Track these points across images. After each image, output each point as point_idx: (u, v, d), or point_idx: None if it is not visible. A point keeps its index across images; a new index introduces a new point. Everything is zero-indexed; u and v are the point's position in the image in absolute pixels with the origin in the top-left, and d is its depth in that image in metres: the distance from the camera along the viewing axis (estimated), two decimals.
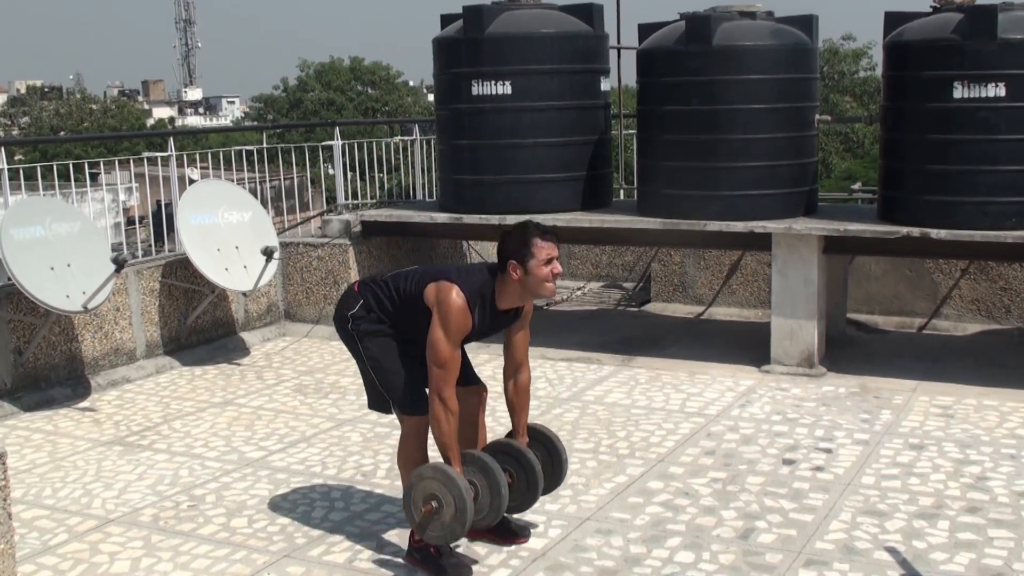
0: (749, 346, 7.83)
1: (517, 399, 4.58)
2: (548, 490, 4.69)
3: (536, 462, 4.53)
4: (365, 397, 6.83)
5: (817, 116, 7.58)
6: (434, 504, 4.19)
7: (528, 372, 4.62)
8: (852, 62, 43.43)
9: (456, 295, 4.19)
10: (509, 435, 4.64)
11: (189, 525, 4.96)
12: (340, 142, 9.86)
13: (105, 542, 4.80)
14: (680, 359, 7.70)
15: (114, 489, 5.46)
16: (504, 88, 7.89)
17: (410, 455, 4.43)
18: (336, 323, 4.53)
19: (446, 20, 8.43)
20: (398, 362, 4.37)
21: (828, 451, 5.73)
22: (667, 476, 5.41)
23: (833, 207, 8.57)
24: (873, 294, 8.75)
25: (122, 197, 12.54)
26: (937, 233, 6.75)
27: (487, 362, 7.11)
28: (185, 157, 9.22)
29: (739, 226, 7.28)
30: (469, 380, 4.58)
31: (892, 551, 4.47)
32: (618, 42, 9.85)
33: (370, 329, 4.39)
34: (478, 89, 7.90)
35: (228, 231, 8.13)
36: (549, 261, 4.22)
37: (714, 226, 7.34)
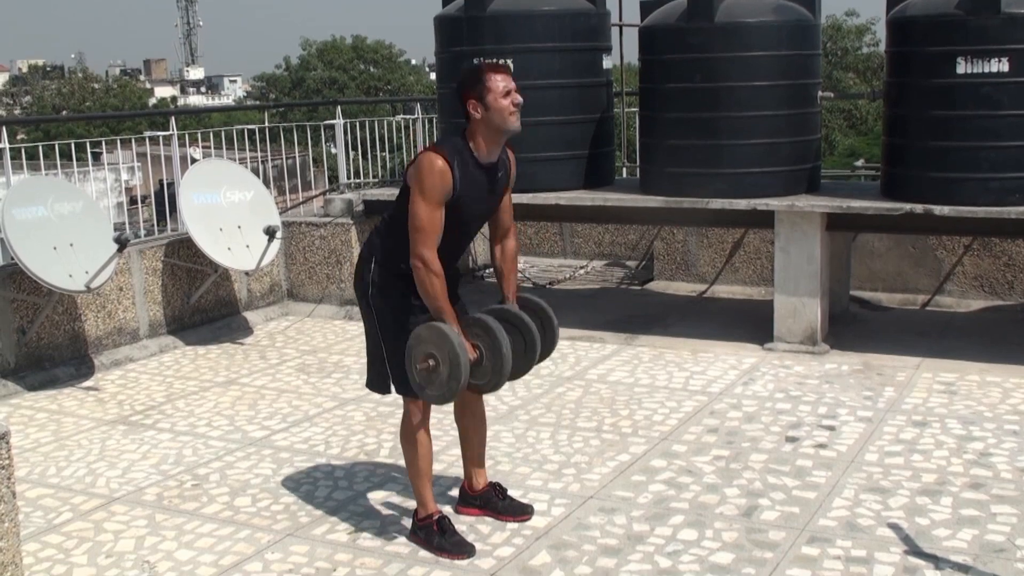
0: (752, 324, 7.83)
1: (504, 265, 4.55)
2: (543, 356, 4.56)
3: (532, 323, 4.44)
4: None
5: (820, 92, 7.55)
6: (431, 362, 4.11)
7: (516, 239, 4.59)
8: (855, 38, 43.29)
9: (433, 156, 4.13)
10: (499, 302, 4.56)
11: (193, 504, 4.97)
12: (342, 121, 9.85)
13: (109, 521, 4.81)
14: (683, 337, 7.70)
15: (118, 468, 5.48)
16: None
17: (412, 434, 4.43)
18: (357, 292, 4.45)
19: (447, 0, 8.40)
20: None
21: (831, 428, 5.74)
22: (670, 454, 5.42)
23: (836, 184, 8.54)
24: (876, 271, 8.74)
25: (124, 176, 12.52)
26: (940, 209, 6.73)
27: None
28: (187, 136, 9.21)
29: (742, 204, 7.26)
30: None
31: (895, 527, 4.48)
32: (620, 19, 9.80)
33: (389, 302, 4.32)
34: None
35: (230, 210, 8.12)
36: (507, 93, 4.17)
37: (717, 204, 7.33)
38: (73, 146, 8.21)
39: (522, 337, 4.44)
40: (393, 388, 4.43)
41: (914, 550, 4.27)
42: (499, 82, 4.18)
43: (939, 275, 8.56)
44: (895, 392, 6.33)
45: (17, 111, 62.27)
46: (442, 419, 5.42)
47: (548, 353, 4.63)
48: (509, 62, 7.76)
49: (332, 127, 9.97)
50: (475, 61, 4.41)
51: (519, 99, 4.21)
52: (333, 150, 10.54)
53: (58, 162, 8.10)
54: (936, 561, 4.17)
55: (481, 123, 4.20)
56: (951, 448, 5.39)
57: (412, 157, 10.59)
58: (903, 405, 6.10)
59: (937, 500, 4.75)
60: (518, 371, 4.47)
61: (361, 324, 8.38)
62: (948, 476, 5.03)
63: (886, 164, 7.27)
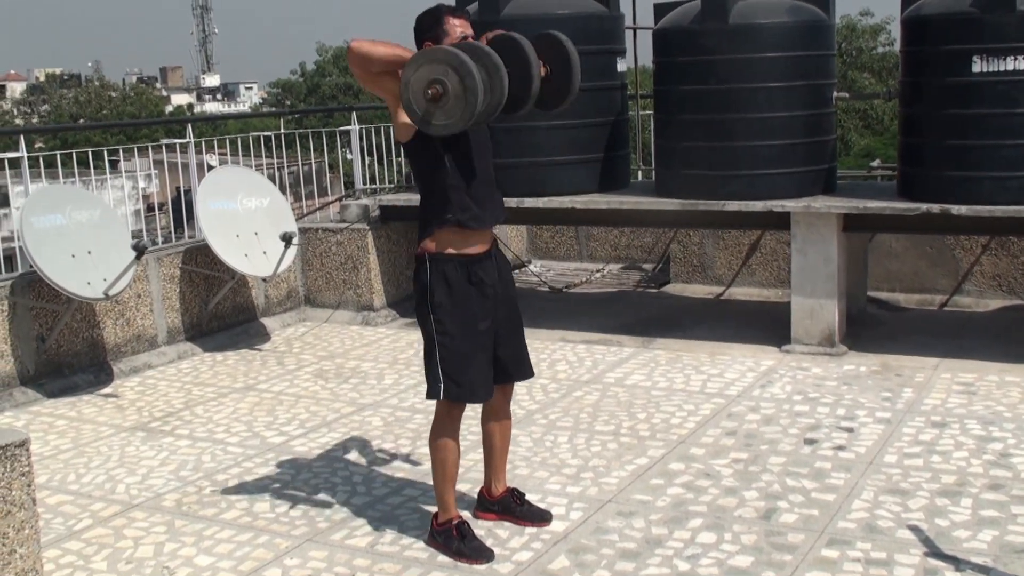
0: (769, 326, 7.81)
1: None
2: (564, 85, 4.38)
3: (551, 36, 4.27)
4: (386, 381, 6.91)
5: (835, 93, 7.53)
6: (438, 87, 3.85)
7: None
8: (870, 38, 43.14)
9: None
10: None
11: (212, 510, 4.99)
12: (357, 127, 9.87)
13: (129, 527, 4.83)
14: (700, 340, 7.69)
15: (137, 475, 5.50)
16: None
17: (442, 439, 4.40)
18: (416, 297, 4.36)
19: (462, 3, 8.40)
20: (466, 344, 4.27)
21: (850, 430, 5.72)
22: (688, 457, 5.41)
23: (852, 184, 8.51)
24: (894, 271, 8.71)
25: (141, 184, 12.57)
26: (958, 209, 6.70)
27: None
28: (203, 144, 9.24)
29: (758, 205, 7.25)
30: (513, 374, 4.53)
31: (915, 529, 4.46)
32: (634, 22, 9.80)
33: (448, 303, 4.26)
34: None
35: (247, 217, 8.15)
36: (464, 38, 4.17)
37: (733, 206, 7.32)
38: (90, 154, 8.24)
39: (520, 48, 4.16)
40: (442, 395, 4.34)
41: (934, 552, 4.25)
42: (457, 27, 4.19)
43: (957, 275, 8.52)
44: (914, 393, 6.31)
45: (35, 120, 62.62)
46: (462, 423, 5.41)
47: (571, 77, 4.41)
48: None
49: (348, 133, 9.99)
50: (438, 3, 4.32)
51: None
52: (349, 156, 10.55)
53: (75, 170, 8.14)
54: (956, 563, 4.15)
55: None
56: (971, 449, 5.37)
57: None
58: (922, 406, 6.07)
59: (957, 501, 4.73)
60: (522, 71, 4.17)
61: (378, 330, 8.45)
62: (968, 477, 5.01)
63: (902, 164, 7.25)
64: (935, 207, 6.78)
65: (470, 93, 3.86)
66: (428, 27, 4.22)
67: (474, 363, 4.31)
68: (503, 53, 4.01)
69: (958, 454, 5.31)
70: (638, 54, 9.92)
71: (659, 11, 7.85)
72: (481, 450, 4.79)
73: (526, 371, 4.63)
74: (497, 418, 4.63)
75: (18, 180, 7.97)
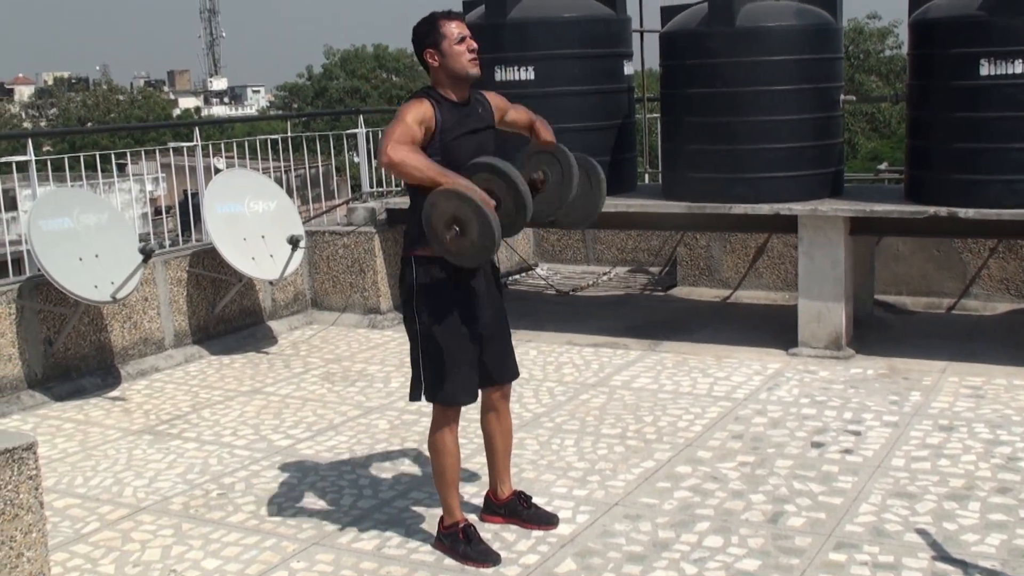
0: (776, 329, 7.80)
1: (545, 130, 4.58)
2: (593, 204, 4.49)
3: (566, 149, 4.36)
4: (392, 384, 6.91)
5: (842, 96, 7.52)
6: (456, 228, 3.94)
7: (543, 120, 4.61)
8: (878, 41, 43.16)
9: (408, 100, 4.23)
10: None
11: (219, 513, 4.99)
12: (364, 130, 9.88)
13: (136, 530, 4.84)
14: (707, 343, 7.68)
15: (145, 478, 5.51)
16: (527, 74, 7.87)
17: (439, 442, 4.41)
18: (401, 296, 4.41)
19: (468, 6, 8.41)
20: (450, 346, 4.29)
21: (857, 433, 5.71)
22: (695, 460, 5.40)
23: (859, 188, 8.50)
24: (901, 275, 8.69)
25: (149, 187, 12.60)
26: (965, 212, 6.69)
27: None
28: (210, 147, 9.26)
29: (764, 209, 7.24)
30: (497, 376, 4.54)
31: (923, 533, 4.45)
32: (641, 25, 9.81)
33: (433, 305, 4.28)
34: (501, 75, 7.88)
35: (254, 220, 8.16)
36: (462, 39, 4.20)
37: (739, 209, 7.31)
38: (98, 157, 8.26)
39: (557, 163, 4.34)
40: (423, 396, 4.39)
41: (942, 555, 4.24)
42: (453, 29, 4.21)
43: (964, 278, 8.51)
44: (921, 396, 6.30)
45: (43, 123, 62.77)
46: (466, 427, 5.40)
47: (595, 198, 4.51)
48: (531, 70, 7.80)
49: (354, 136, 10.00)
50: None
51: (474, 44, 4.23)
52: (356, 159, 10.57)
53: (83, 173, 8.15)
54: (965, 567, 4.15)
55: (441, 71, 4.23)
56: (978, 452, 5.36)
57: None
58: (929, 409, 6.06)
59: (965, 505, 4.72)
60: (558, 205, 4.35)
61: (384, 333, 8.45)
62: (976, 481, 4.99)
63: (909, 167, 7.24)
64: (942, 210, 6.76)
65: (484, 239, 3.94)
66: (426, 34, 4.25)
67: (458, 366, 4.31)
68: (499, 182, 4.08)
69: (966, 458, 5.29)
70: (645, 57, 9.93)
71: (666, 14, 7.85)
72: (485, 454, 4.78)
73: (512, 372, 4.63)
74: (497, 419, 4.63)
75: (26, 183, 7.99)
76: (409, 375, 4.46)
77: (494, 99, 4.52)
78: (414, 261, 4.30)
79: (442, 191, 3.97)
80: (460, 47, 4.20)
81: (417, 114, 4.14)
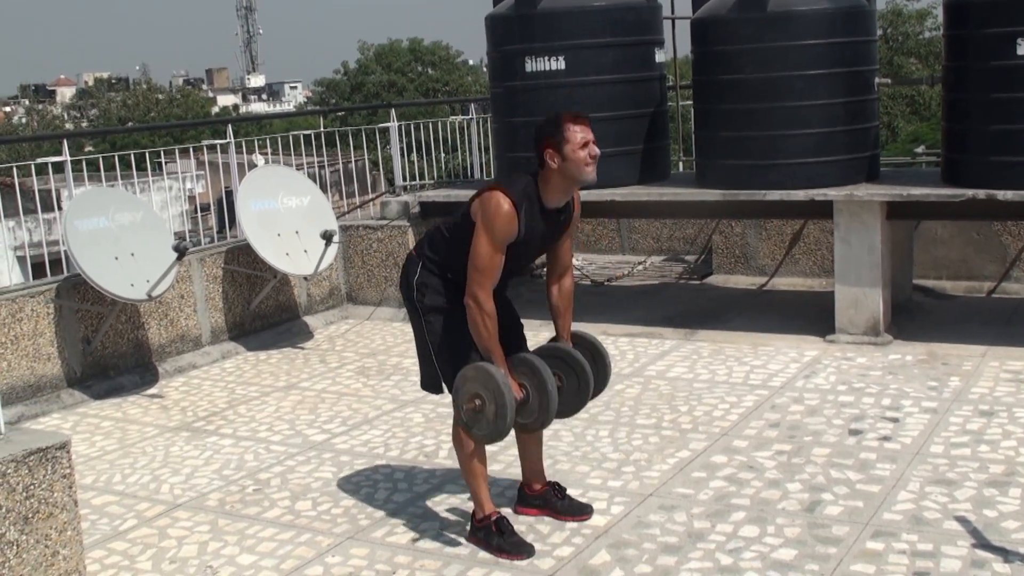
0: (813, 316, 7.73)
1: (561, 303, 4.55)
2: (595, 393, 4.60)
3: (585, 362, 4.46)
4: None
5: (877, 79, 7.44)
6: (477, 402, 4.15)
7: (572, 278, 4.61)
8: (916, 23, 42.65)
9: (501, 199, 4.14)
10: (553, 340, 4.58)
11: (255, 509, 5.01)
12: (397, 123, 9.88)
13: (173, 527, 4.87)
14: (743, 331, 7.63)
15: (181, 474, 5.54)
16: (558, 63, 7.84)
17: (463, 434, 4.41)
18: (403, 293, 4.49)
19: None
20: (459, 342, 4.33)
21: (895, 420, 5.64)
22: (731, 450, 5.36)
23: (896, 172, 8.41)
24: (940, 259, 8.59)
25: (188, 185, 12.68)
26: (1004, 194, 6.60)
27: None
28: (244, 144, 9.29)
29: (800, 195, 7.17)
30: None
31: (962, 520, 4.39)
32: (672, 12, 9.74)
33: (435, 304, 4.34)
34: (532, 65, 7.85)
35: (288, 216, 8.18)
36: (585, 144, 4.18)
37: (774, 195, 7.25)
38: (133, 157, 8.32)
39: (575, 375, 4.47)
40: (445, 388, 4.43)
41: (982, 543, 4.18)
42: (577, 133, 4.18)
43: (1005, 261, 8.39)
44: (961, 382, 6.22)
45: (84, 124, 63.38)
46: None
47: (600, 390, 4.67)
48: (562, 60, 7.77)
49: (387, 130, 10.00)
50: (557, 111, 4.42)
51: (596, 151, 4.21)
52: (390, 152, 10.57)
53: (118, 173, 8.22)
54: (1005, 554, 4.09)
55: (556, 172, 4.21)
56: (1019, 438, 5.28)
57: (467, 160, 10.63)
58: (969, 395, 5.98)
59: (1005, 492, 4.65)
60: (570, 408, 4.54)
61: None
62: (1017, 467, 4.92)
63: (946, 150, 7.15)
64: (981, 193, 6.67)
65: (498, 423, 4.16)
66: (550, 133, 4.20)
67: (470, 359, 4.32)
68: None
69: (1006, 443, 5.22)
70: (677, 44, 9.86)
71: (697, 0, 7.79)
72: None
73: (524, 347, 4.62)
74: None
75: (64, 184, 8.06)
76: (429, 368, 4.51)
77: (576, 211, 4.50)
78: (421, 264, 4.36)
79: (480, 367, 4.17)
80: (582, 152, 4.17)
81: (506, 235, 4.14)
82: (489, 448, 4.57)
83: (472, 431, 4.26)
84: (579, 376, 4.47)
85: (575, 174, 4.20)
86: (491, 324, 4.15)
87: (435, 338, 4.37)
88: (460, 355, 4.32)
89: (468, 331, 4.28)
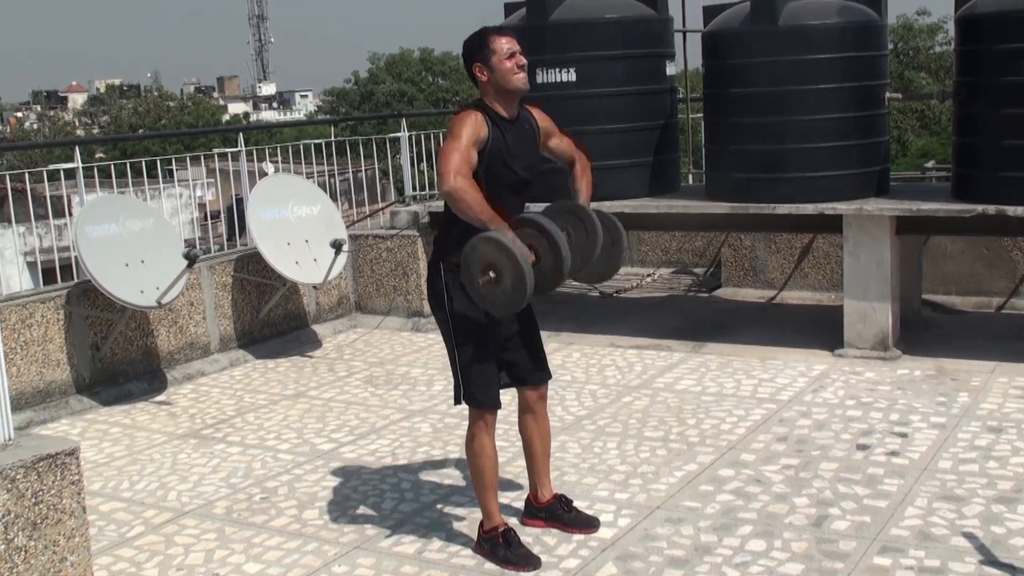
0: (822, 330, 7.72)
1: (577, 171, 4.59)
2: (610, 264, 4.52)
3: (592, 213, 4.37)
4: (435, 388, 6.92)
5: (888, 94, 7.44)
6: (492, 274, 4.00)
7: (584, 160, 4.62)
8: (927, 37, 42.65)
9: (462, 111, 4.22)
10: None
11: (261, 517, 5.02)
12: (407, 133, 9.90)
13: (180, 534, 4.87)
14: (751, 344, 7.62)
15: (189, 482, 5.55)
16: (569, 75, 7.85)
17: (477, 446, 4.40)
18: (431, 303, 4.44)
19: (510, 8, 8.42)
20: (482, 351, 4.31)
21: (903, 435, 5.63)
22: (738, 463, 5.35)
23: (906, 186, 8.40)
24: (949, 274, 8.57)
25: (199, 193, 12.71)
26: (1014, 210, 6.59)
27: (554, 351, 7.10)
28: (255, 152, 9.32)
29: (809, 208, 7.17)
30: (529, 379, 4.53)
31: (970, 537, 4.38)
32: (683, 25, 9.76)
33: (463, 310, 4.29)
34: (543, 77, 7.86)
35: (298, 225, 8.20)
36: (512, 55, 4.20)
37: (783, 209, 7.25)
38: (144, 164, 8.34)
39: (583, 226, 4.35)
40: (462, 400, 4.40)
41: (990, 560, 4.17)
42: (503, 44, 4.22)
43: (1014, 277, 8.38)
44: (969, 397, 6.20)
45: (95, 130, 63.54)
46: (508, 430, 5.41)
47: (615, 262, 4.55)
48: (573, 71, 7.78)
49: (397, 139, 10.02)
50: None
51: (523, 60, 4.24)
52: (402, 162, 10.59)
53: (129, 180, 8.24)
54: (1013, 571, 4.08)
55: (489, 85, 4.25)
56: None
57: None
58: (978, 411, 5.97)
59: (1014, 508, 4.64)
60: (581, 261, 4.37)
61: (428, 336, 8.46)
62: None
63: (956, 165, 7.14)
64: (991, 208, 6.66)
65: (516, 293, 3.98)
66: (476, 49, 4.25)
67: (491, 370, 4.34)
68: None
69: (1015, 460, 5.21)
70: (688, 57, 9.88)
71: (708, 13, 7.80)
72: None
73: (546, 373, 4.61)
74: (535, 421, 4.62)
75: (75, 190, 8.08)
76: (451, 378, 4.48)
77: (541, 119, 4.52)
78: (443, 268, 4.32)
79: (486, 237, 4.01)
80: (509, 63, 4.20)
81: (472, 132, 4.13)
82: (499, 459, 4.57)
83: (487, 305, 4.11)
84: (586, 226, 4.36)
85: (504, 83, 4.21)
86: (477, 195, 4.05)
87: (461, 345, 4.31)
88: (481, 362, 4.30)
89: (494, 344, 4.29)
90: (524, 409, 4.59)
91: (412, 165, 9.94)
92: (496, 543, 4.38)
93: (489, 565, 4.36)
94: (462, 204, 4.04)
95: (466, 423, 5.90)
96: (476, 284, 4.06)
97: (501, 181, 4.22)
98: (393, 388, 7.08)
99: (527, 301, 4.06)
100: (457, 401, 4.44)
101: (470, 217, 4.05)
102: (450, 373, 4.50)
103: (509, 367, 4.47)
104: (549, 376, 4.65)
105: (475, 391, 4.34)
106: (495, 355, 4.37)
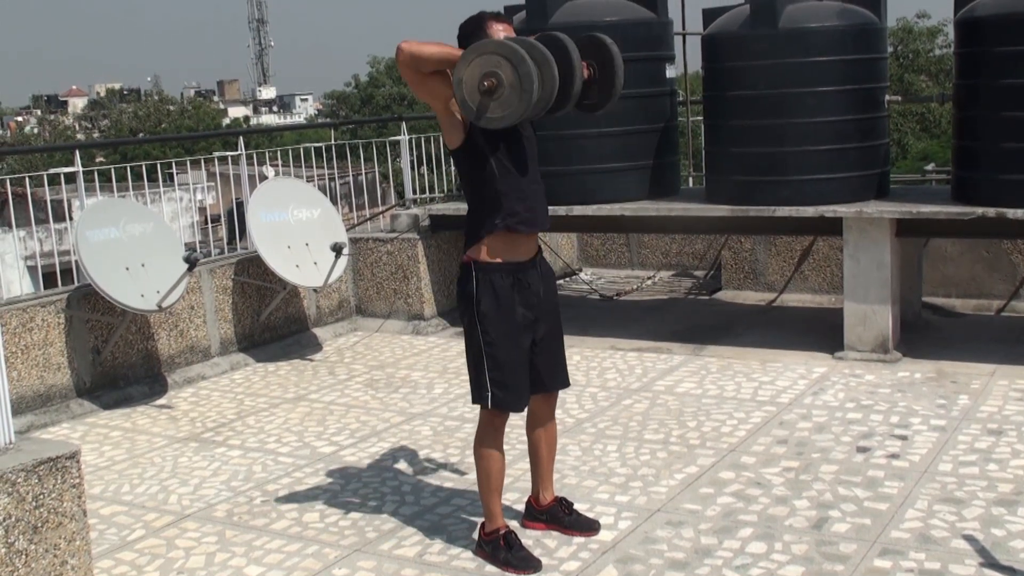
0: (822, 333, 7.72)
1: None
2: (607, 86, 4.36)
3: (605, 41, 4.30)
4: (436, 391, 6.92)
5: (887, 96, 7.44)
6: (493, 79, 3.89)
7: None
8: (927, 40, 42.66)
9: None
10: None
11: (262, 520, 5.02)
12: (407, 136, 9.90)
13: (181, 537, 4.87)
14: (752, 347, 7.62)
15: (189, 485, 5.55)
16: None
17: (486, 447, 4.39)
18: (461, 305, 4.40)
19: (509, 12, 8.41)
20: (508, 353, 4.29)
21: (903, 438, 5.63)
22: (739, 466, 5.36)
23: (906, 189, 8.41)
24: (949, 276, 8.58)
25: (199, 196, 12.71)
26: (1014, 213, 6.59)
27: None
28: (255, 156, 9.32)
29: (809, 211, 7.18)
30: (548, 384, 4.52)
31: (970, 539, 4.38)
32: (683, 28, 9.76)
33: (489, 311, 4.28)
34: None
35: (298, 228, 8.21)
36: None
37: (783, 211, 7.25)
38: (144, 168, 8.34)
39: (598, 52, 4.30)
40: (483, 401, 4.36)
41: (990, 562, 4.17)
42: (499, 32, 4.19)
43: (1014, 280, 8.38)
44: (969, 400, 6.21)
45: (96, 135, 63.60)
46: (508, 433, 5.40)
47: (613, 82, 4.40)
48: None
49: (397, 143, 10.02)
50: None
51: None
52: (402, 166, 10.60)
53: (129, 184, 8.25)
54: (1013, 573, 4.08)
55: None
56: None
57: None
58: (978, 413, 5.97)
59: (1014, 511, 4.64)
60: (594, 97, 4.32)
61: (428, 339, 8.47)
62: None
63: (956, 168, 7.15)
64: (990, 211, 6.67)
65: (525, 81, 3.89)
66: (471, 32, 4.23)
67: (518, 372, 4.32)
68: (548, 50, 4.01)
69: (1015, 462, 5.21)
70: (688, 60, 9.88)
71: (708, 16, 7.81)
72: (528, 460, 4.76)
73: (562, 380, 4.61)
74: (543, 426, 4.62)
75: (76, 194, 8.09)
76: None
77: None
78: (475, 267, 4.30)
79: (486, 41, 3.95)
80: None
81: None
82: None
83: (492, 115, 3.97)
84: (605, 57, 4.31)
85: None
86: (431, 43, 4.03)
87: (489, 347, 4.28)
88: (504, 365, 4.27)
89: (520, 347, 4.29)
90: (535, 413, 4.58)
91: (412, 168, 9.94)
92: (497, 546, 4.38)
93: (490, 568, 4.36)
94: (424, 52, 4.02)
95: (467, 426, 5.94)
96: (476, 96, 3.94)
97: (511, 153, 4.19)
98: (393, 391, 7.09)
99: (537, 96, 3.90)
100: (480, 403, 4.38)
101: (439, 58, 4.02)
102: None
103: (531, 370, 4.44)
104: (567, 383, 4.65)
105: (503, 394, 4.29)
106: (525, 358, 4.35)
